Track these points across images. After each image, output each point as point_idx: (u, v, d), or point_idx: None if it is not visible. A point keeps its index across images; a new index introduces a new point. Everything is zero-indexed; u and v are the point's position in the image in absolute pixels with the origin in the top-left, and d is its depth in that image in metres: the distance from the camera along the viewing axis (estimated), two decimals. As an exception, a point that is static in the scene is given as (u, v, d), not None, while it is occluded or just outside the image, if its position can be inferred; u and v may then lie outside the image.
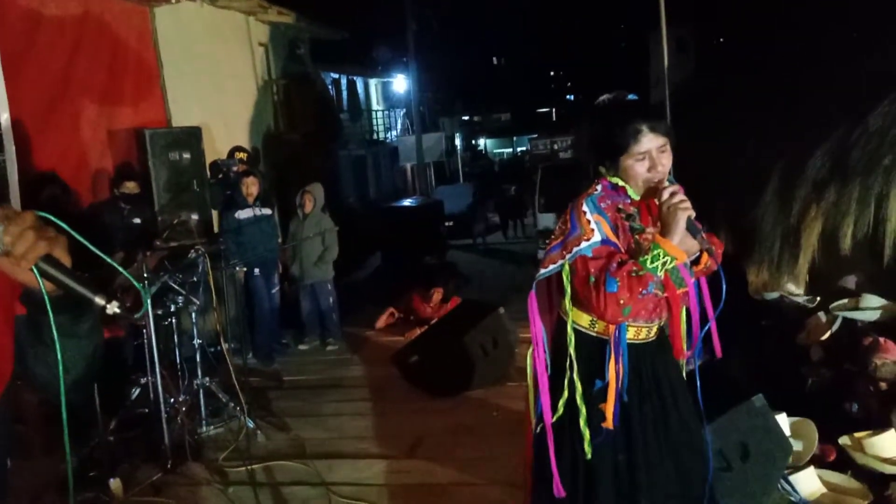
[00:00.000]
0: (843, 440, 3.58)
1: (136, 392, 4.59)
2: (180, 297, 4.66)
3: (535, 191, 12.78)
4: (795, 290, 5.22)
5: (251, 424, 4.63)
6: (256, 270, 6.31)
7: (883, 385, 3.92)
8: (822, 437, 3.60)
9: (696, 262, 2.13)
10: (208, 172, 6.64)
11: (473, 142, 40.78)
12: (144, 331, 4.32)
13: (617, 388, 2.13)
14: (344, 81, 22.53)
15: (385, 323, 7.48)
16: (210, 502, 3.85)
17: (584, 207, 2.09)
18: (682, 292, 2.13)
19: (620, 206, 2.12)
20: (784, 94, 6.18)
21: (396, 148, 24.08)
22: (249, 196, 6.28)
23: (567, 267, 2.10)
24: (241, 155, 6.98)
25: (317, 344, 6.95)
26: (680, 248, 1.97)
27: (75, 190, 5.82)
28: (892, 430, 3.54)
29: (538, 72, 43.08)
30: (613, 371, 2.12)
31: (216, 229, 6.56)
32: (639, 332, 2.18)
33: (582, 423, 2.15)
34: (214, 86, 8.15)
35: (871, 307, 4.57)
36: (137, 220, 5.63)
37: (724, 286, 2.04)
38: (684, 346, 2.27)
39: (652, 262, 1.95)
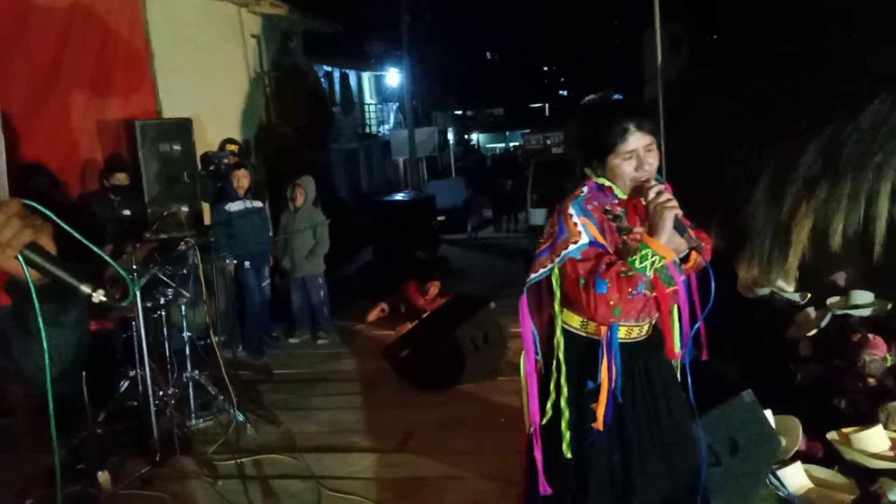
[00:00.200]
0: (831, 435, 3.60)
1: (125, 385, 4.56)
2: (170, 290, 4.64)
3: (527, 186, 12.79)
4: (786, 286, 5.24)
5: (241, 418, 4.61)
6: (247, 263, 6.28)
7: (871, 381, 3.95)
8: (810, 432, 3.62)
9: (685, 259, 2.13)
10: (199, 164, 6.60)
11: (466, 136, 40.73)
12: (134, 323, 4.30)
13: (609, 388, 2.13)
14: (337, 74, 22.44)
15: (376, 317, 7.47)
16: (199, 495, 3.84)
17: (571, 210, 2.08)
18: (672, 291, 2.13)
19: (607, 207, 2.12)
20: (776, 92, 6.20)
21: (389, 142, 24.02)
22: (240, 189, 6.25)
23: (556, 270, 2.10)
24: (233, 147, 6.94)
25: (307, 337, 6.94)
26: (668, 247, 1.97)
27: (64, 181, 5.78)
28: (879, 425, 3.56)
29: (532, 67, 43.05)
30: (606, 372, 2.12)
31: (207, 222, 6.53)
32: (630, 331, 2.18)
33: (563, 425, 2.16)
34: (206, 77, 8.09)
35: (863, 304, 4.59)
36: (127, 212, 5.59)
37: (713, 283, 2.05)
38: (676, 346, 2.26)
39: (640, 262, 1.96)
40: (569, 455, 2.15)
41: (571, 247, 2.04)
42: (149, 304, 4.48)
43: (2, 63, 5.36)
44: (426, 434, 4.46)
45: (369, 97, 26.47)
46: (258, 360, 6.29)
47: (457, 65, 35.06)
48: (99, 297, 1.11)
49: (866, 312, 4.52)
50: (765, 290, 5.29)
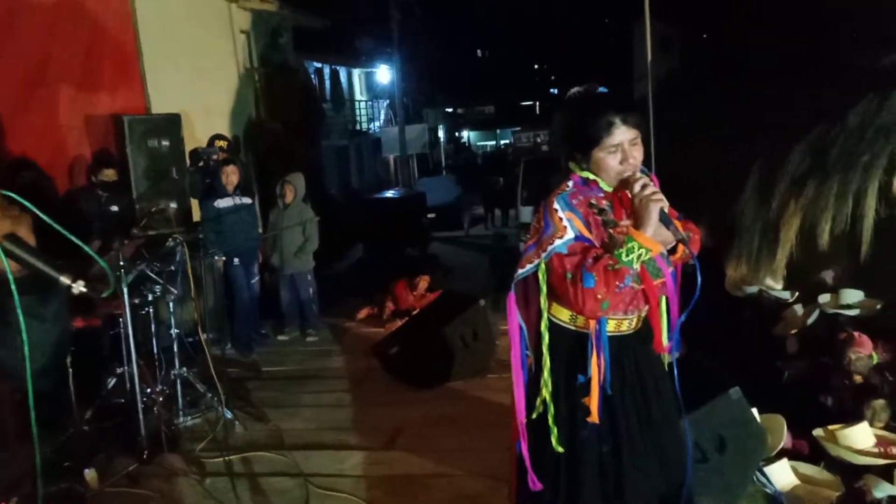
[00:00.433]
0: (817, 432, 3.63)
1: (112, 382, 4.53)
2: (158, 287, 4.61)
3: (517, 184, 12.83)
4: (774, 284, 5.28)
5: (229, 415, 4.60)
6: (236, 260, 6.25)
7: (857, 378, 3.98)
8: (797, 429, 3.65)
9: (672, 251, 2.14)
10: (188, 160, 6.56)
11: (457, 134, 40.75)
12: (121, 320, 4.27)
13: (599, 381, 2.13)
14: (327, 71, 22.39)
15: (366, 314, 7.45)
16: (187, 493, 3.82)
17: (556, 205, 2.09)
18: (660, 283, 2.14)
19: (592, 200, 2.13)
20: (765, 91, 6.23)
21: (379, 139, 24.01)
22: (229, 185, 6.21)
23: (543, 266, 2.10)
24: (222, 143, 6.89)
25: (296, 335, 6.92)
26: (654, 240, 1.98)
27: (52, 176, 5.73)
28: (865, 422, 3.59)
29: (522, 65, 43.11)
30: (595, 365, 2.13)
31: (196, 218, 6.49)
32: (620, 324, 2.19)
33: (550, 420, 2.16)
34: (195, 73, 8.05)
35: (852, 302, 4.63)
36: (115, 208, 5.56)
37: (698, 275, 2.06)
38: (664, 339, 2.27)
39: (627, 255, 1.96)
40: (560, 449, 2.15)
41: (557, 242, 2.04)
42: (136, 301, 4.45)
43: (-12, 57, 5.31)
44: (415, 431, 4.46)
45: (360, 94, 26.43)
46: (247, 358, 6.26)
47: (447, 62, 35.07)
48: (79, 287, 1.10)
49: (856, 312, 4.55)
50: (753, 289, 5.32)
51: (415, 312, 6.48)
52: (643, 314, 2.23)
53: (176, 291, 4.75)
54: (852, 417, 3.66)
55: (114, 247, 4.16)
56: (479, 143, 40.89)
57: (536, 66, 45.84)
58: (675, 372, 2.22)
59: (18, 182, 5.10)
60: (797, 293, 5.08)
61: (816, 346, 4.42)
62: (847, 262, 5.00)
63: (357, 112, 25.36)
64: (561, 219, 2.06)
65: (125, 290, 4.09)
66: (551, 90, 43.91)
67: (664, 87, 7.84)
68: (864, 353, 4.00)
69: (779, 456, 3.48)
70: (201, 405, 4.79)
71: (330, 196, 13.95)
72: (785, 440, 3.56)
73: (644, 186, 2.01)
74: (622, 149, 2.08)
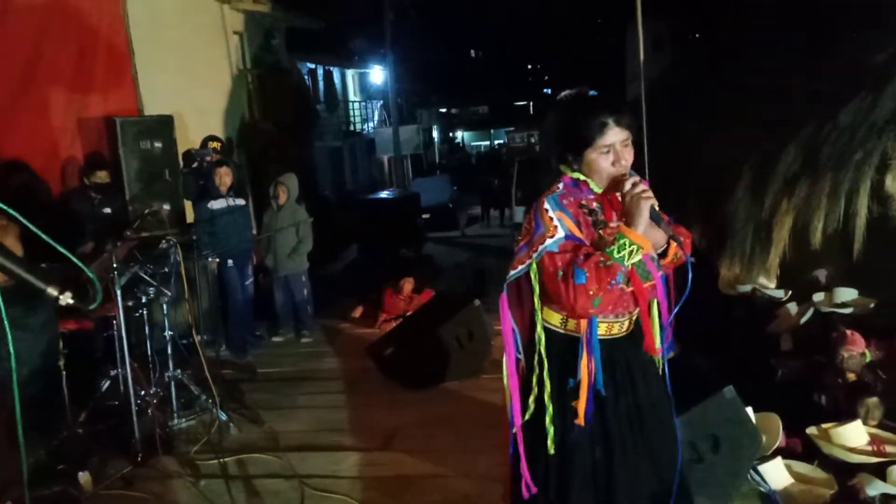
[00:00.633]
0: (811, 430, 3.64)
1: (106, 384, 4.51)
2: (151, 289, 4.59)
3: (512, 184, 12.86)
4: (767, 283, 5.30)
5: (223, 417, 4.58)
6: (230, 261, 6.24)
7: (850, 376, 4.00)
8: (791, 428, 3.66)
9: (663, 255, 2.15)
10: (181, 162, 6.54)
11: (451, 134, 40.74)
12: (115, 322, 4.25)
13: (590, 384, 2.13)
14: (320, 72, 22.35)
15: (360, 313, 7.44)
16: (181, 496, 3.81)
17: (546, 205, 2.09)
18: (649, 286, 2.14)
19: (583, 202, 2.13)
20: (757, 91, 6.26)
21: (373, 140, 23.99)
22: (223, 186, 6.20)
23: (534, 265, 2.11)
24: (215, 144, 6.87)
25: (291, 336, 6.91)
26: (645, 238, 1.99)
27: (44, 179, 5.70)
28: (858, 420, 3.61)
29: (516, 65, 43.12)
30: (586, 368, 2.13)
31: (189, 220, 6.47)
32: (611, 327, 2.19)
33: (548, 420, 2.16)
34: (188, 74, 8.02)
35: (846, 301, 4.64)
36: (108, 210, 5.53)
37: (689, 272, 2.07)
38: (656, 342, 2.27)
39: (619, 252, 1.98)
40: (552, 451, 2.15)
41: (548, 241, 2.05)
42: (130, 303, 4.43)
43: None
44: (410, 432, 4.45)
45: (353, 95, 26.38)
46: (241, 359, 6.25)
47: (441, 62, 35.06)
48: (66, 299, 1.09)
49: (850, 310, 4.57)
50: (746, 288, 5.34)
51: (409, 313, 6.47)
52: (634, 317, 2.24)
53: (169, 293, 4.73)
54: (846, 416, 3.68)
55: (107, 249, 4.14)
56: (473, 144, 40.90)
57: (530, 67, 45.88)
58: (667, 372, 2.22)
59: (11, 185, 5.07)
60: (790, 292, 5.10)
61: (810, 345, 4.44)
62: (840, 260, 5.02)
63: (351, 113, 25.32)
64: (552, 218, 2.07)
65: (118, 292, 4.08)
66: (545, 90, 43.95)
67: (657, 87, 7.86)
68: (856, 351, 4.02)
69: (773, 454, 3.49)
70: (196, 407, 4.78)
71: (324, 197, 13.94)
72: (779, 439, 3.58)
73: (635, 185, 2.03)
74: (614, 150, 2.09)
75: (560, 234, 2.05)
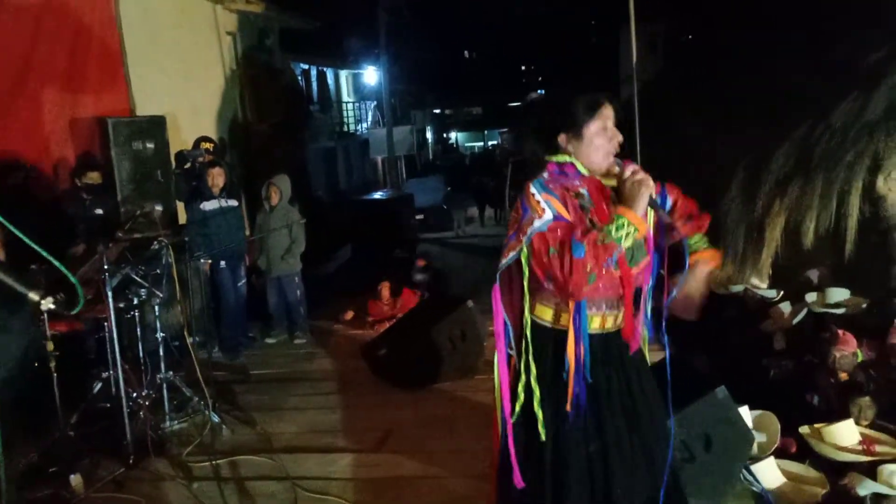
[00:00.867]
0: (803, 430, 3.65)
1: (97, 386, 4.50)
2: (143, 290, 4.58)
3: (505, 184, 12.87)
4: (759, 283, 5.31)
5: (216, 419, 4.57)
6: (222, 263, 6.22)
7: (843, 376, 4.01)
8: (784, 428, 3.67)
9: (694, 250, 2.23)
10: (173, 162, 6.52)
11: (445, 135, 40.75)
12: (106, 324, 4.23)
13: (577, 369, 2.13)
14: (314, 72, 22.30)
15: (351, 317, 7.42)
16: (173, 498, 3.79)
17: (532, 189, 2.12)
18: (637, 271, 2.16)
19: (569, 186, 2.14)
20: (750, 92, 6.28)
21: (367, 140, 23.96)
22: (215, 187, 6.18)
23: (525, 250, 2.10)
24: (207, 145, 6.85)
25: (284, 337, 6.89)
26: (643, 221, 2.04)
27: (36, 179, 5.68)
28: (850, 420, 3.62)
29: (510, 66, 43.11)
30: (572, 353, 2.13)
31: (181, 221, 6.45)
32: (604, 321, 2.19)
33: (536, 404, 2.16)
34: (180, 74, 7.99)
35: (838, 301, 4.66)
36: (100, 211, 5.51)
37: (686, 258, 2.13)
38: (643, 331, 2.28)
39: (617, 231, 2.00)
40: (543, 437, 2.15)
41: (537, 223, 2.06)
42: (121, 305, 4.42)
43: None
44: (404, 433, 4.45)
45: (347, 95, 26.34)
46: (234, 361, 6.23)
47: (435, 63, 35.03)
48: (48, 304, 1.08)
49: (843, 310, 4.59)
50: (738, 287, 5.36)
51: (401, 315, 6.46)
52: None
53: (161, 295, 4.72)
54: (838, 415, 3.69)
55: (98, 250, 4.12)
56: (466, 144, 40.89)
57: (524, 68, 45.89)
58: (668, 370, 2.22)
59: (8, 184, 5.06)
60: (782, 292, 5.12)
61: (802, 345, 4.45)
62: (832, 260, 5.04)
63: (344, 113, 25.28)
64: (538, 201, 2.08)
65: (110, 293, 4.06)
66: (539, 91, 44.00)
67: (650, 88, 7.88)
68: (848, 351, 4.04)
69: (766, 454, 3.50)
70: (188, 409, 4.76)
71: (317, 198, 13.92)
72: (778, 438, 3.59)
73: (635, 172, 2.08)
74: (609, 125, 2.15)
75: (548, 215, 2.06)
